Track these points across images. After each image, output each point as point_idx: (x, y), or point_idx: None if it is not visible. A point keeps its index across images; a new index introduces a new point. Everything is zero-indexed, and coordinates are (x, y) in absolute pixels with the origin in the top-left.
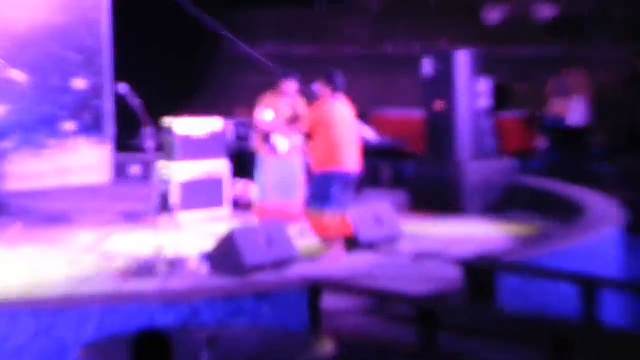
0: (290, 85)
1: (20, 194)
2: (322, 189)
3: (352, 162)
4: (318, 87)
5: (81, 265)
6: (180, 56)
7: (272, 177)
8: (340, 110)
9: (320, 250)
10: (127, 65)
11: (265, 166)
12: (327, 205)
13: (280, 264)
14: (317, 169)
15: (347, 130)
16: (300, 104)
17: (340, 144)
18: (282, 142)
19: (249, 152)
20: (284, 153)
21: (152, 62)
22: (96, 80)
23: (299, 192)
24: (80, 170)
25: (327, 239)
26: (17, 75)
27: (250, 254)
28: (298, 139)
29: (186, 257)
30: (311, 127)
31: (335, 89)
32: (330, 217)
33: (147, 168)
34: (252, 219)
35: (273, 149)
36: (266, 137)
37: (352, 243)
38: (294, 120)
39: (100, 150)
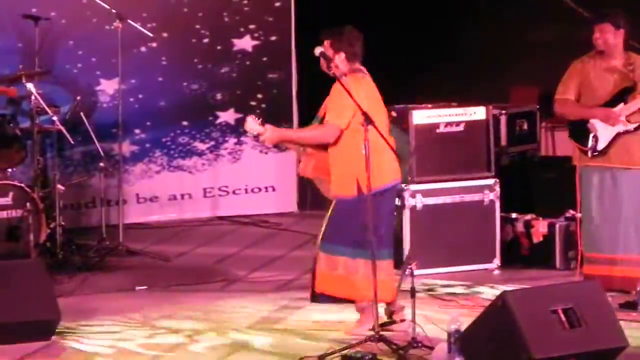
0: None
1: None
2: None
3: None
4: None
5: None
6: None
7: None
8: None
9: None
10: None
11: (587, 187)
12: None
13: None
14: (344, 192)
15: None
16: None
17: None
18: (605, 135)
19: (539, 162)
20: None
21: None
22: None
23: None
24: (252, 191)
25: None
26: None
27: (542, 342)
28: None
29: (427, 346)
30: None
31: (354, 55)
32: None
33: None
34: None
35: (591, 149)
36: (580, 130)
37: None
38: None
39: (279, 160)
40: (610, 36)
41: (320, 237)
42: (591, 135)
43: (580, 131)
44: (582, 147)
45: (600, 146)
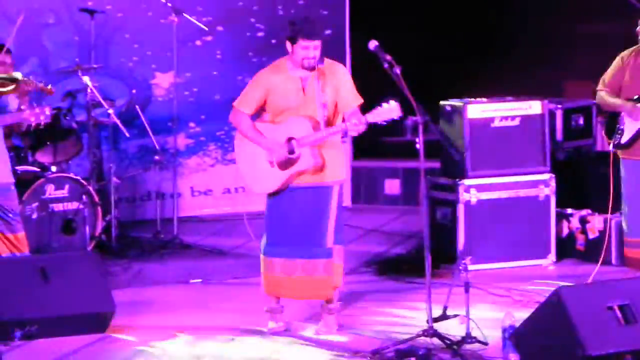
0: None
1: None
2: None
3: None
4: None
5: None
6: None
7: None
8: None
9: None
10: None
11: (630, 179)
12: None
13: None
14: (341, 176)
15: None
16: None
17: None
18: (630, 129)
19: (595, 158)
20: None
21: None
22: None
23: None
24: None
25: None
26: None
27: (597, 338)
28: None
29: (479, 341)
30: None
31: None
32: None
33: (413, 183)
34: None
35: (614, 141)
36: (611, 122)
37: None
38: None
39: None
40: None
41: (334, 231)
42: (617, 128)
43: (611, 123)
44: (608, 139)
45: (624, 139)
